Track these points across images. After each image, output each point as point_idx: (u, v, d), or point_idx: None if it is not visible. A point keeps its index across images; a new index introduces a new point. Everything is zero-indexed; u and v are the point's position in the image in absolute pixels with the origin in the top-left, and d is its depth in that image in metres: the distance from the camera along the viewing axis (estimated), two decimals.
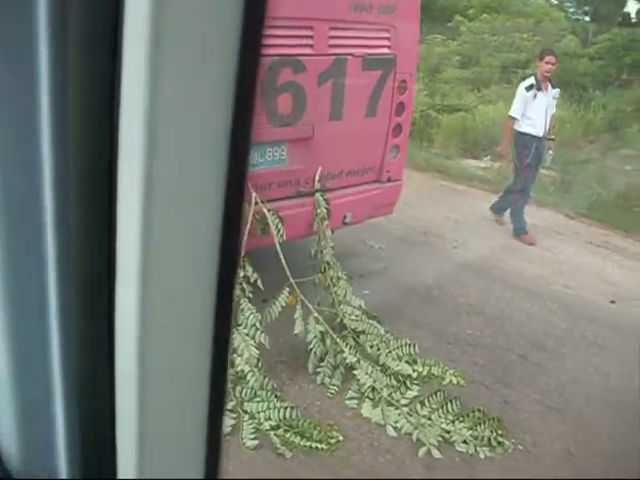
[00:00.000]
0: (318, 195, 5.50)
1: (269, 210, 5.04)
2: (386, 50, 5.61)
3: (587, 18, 21.05)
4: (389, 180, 6.05)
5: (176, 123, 0.71)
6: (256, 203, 4.98)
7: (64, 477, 0.85)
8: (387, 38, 5.60)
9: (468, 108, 13.86)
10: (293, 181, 5.41)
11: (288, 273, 4.83)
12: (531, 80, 8.12)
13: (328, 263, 5.22)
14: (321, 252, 5.30)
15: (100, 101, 0.72)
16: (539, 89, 8.02)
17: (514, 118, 8.12)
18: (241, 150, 0.77)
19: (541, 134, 8.11)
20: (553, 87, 8.12)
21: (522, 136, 8.12)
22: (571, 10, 21.31)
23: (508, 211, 8.43)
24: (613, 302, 6.87)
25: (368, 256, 6.97)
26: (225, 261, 0.77)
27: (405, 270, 6.75)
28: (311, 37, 5.11)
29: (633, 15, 20.52)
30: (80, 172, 0.76)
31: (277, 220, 5.07)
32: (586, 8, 21.06)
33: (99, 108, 0.73)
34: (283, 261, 4.84)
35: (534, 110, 8.02)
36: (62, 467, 0.85)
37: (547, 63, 7.97)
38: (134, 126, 0.70)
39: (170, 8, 0.67)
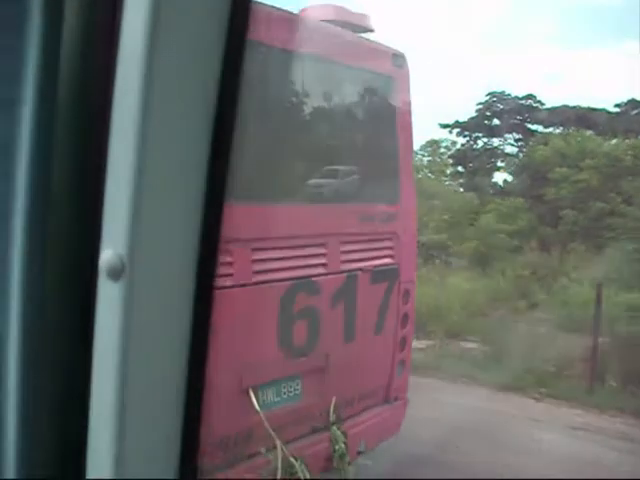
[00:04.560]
0: (335, 429, 4.79)
1: (296, 458, 4.31)
2: (390, 260, 5.17)
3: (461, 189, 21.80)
4: (396, 399, 5.45)
5: (163, 135, 0.77)
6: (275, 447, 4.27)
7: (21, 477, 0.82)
8: (390, 247, 5.18)
9: None
10: (308, 417, 4.70)
11: None
12: None
13: None
14: None
15: (90, 117, 0.77)
16: None
17: None
18: (221, 163, 0.82)
19: None
20: None
21: None
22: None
23: None
24: None
25: None
26: (202, 273, 0.82)
27: None
28: (324, 255, 4.58)
29: (501, 184, 21.64)
30: (62, 182, 0.79)
31: (303, 466, 4.36)
32: (461, 180, 22.00)
33: (88, 122, 0.78)
34: None
35: None
36: (18, 467, 0.82)
37: None
38: (125, 142, 0.75)
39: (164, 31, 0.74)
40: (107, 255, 0.80)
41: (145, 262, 0.81)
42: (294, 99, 4.75)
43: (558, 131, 21.39)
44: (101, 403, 0.81)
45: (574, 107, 21.06)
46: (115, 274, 0.80)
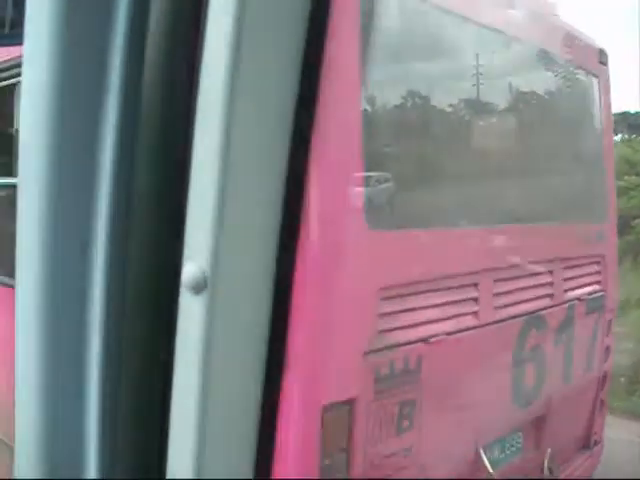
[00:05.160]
0: None
1: None
2: (598, 287, 4.49)
3: None
4: (596, 443, 4.77)
5: (247, 130, 0.75)
6: None
7: (104, 477, 0.83)
8: (598, 272, 4.50)
9: None
10: (524, 473, 4.03)
11: None
12: None
13: None
14: None
15: (174, 110, 0.75)
16: None
17: None
18: (303, 147, 0.81)
19: None
20: None
21: None
22: None
23: None
24: None
25: None
26: (282, 260, 0.81)
27: None
28: (551, 284, 3.91)
29: None
30: (147, 180, 0.77)
31: None
32: None
33: (172, 117, 0.75)
34: None
35: None
36: (101, 467, 0.82)
37: None
38: (209, 136, 0.74)
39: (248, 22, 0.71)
40: (189, 269, 0.79)
41: (227, 276, 0.80)
42: (496, 95, 4.07)
43: (617, 138, 20.71)
44: (182, 411, 0.81)
45: (635, 113, 20.34)
46: (197, 288, 0.78)
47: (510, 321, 3.58)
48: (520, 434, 3.95)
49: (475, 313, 3.34)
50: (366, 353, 2.71)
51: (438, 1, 3.22)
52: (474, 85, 3.77)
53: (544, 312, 3.85)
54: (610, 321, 4.64)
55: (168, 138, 0.78)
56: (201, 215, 0.76)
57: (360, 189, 2.82)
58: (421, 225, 3.17)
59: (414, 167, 3.41)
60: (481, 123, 4.01)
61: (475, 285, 3.31)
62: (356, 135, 2.63)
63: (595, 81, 4.48)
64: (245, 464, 0.86)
